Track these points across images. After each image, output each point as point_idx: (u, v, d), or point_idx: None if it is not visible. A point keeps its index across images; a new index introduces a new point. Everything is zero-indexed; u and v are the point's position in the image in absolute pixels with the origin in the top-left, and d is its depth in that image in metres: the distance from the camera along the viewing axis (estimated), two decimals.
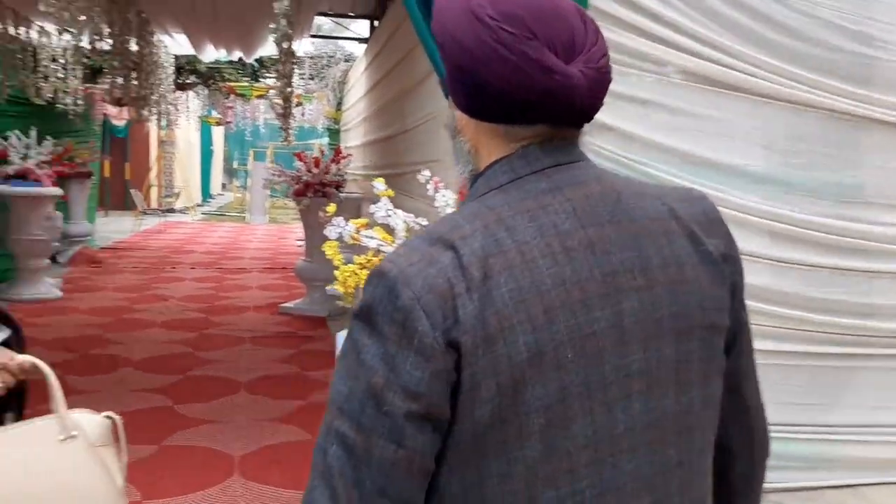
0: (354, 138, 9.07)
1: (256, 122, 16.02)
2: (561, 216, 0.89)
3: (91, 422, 1.59)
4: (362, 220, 2.98)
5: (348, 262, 2.88)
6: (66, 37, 8.29)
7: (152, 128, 20.30)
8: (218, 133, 28.51)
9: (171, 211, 19.07)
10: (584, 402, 0.86)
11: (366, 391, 0.84)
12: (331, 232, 2.93)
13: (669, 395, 0.90)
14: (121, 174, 18.39)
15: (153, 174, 20.25)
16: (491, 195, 0.92)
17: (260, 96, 10.38)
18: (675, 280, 0.91)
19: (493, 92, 0.88)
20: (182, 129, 19.17)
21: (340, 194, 8.15)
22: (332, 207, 2.97)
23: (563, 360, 0.85)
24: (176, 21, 7.24)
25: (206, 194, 27.03)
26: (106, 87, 9.92)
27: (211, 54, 8.94)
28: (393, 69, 6.02)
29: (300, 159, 8.22)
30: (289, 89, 6.21)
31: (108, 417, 1.62)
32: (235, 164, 30.11)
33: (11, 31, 6.95)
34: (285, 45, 4.22)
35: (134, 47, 6.17)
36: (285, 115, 6.83)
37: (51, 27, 7.70)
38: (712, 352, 0.95)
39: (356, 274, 2.92)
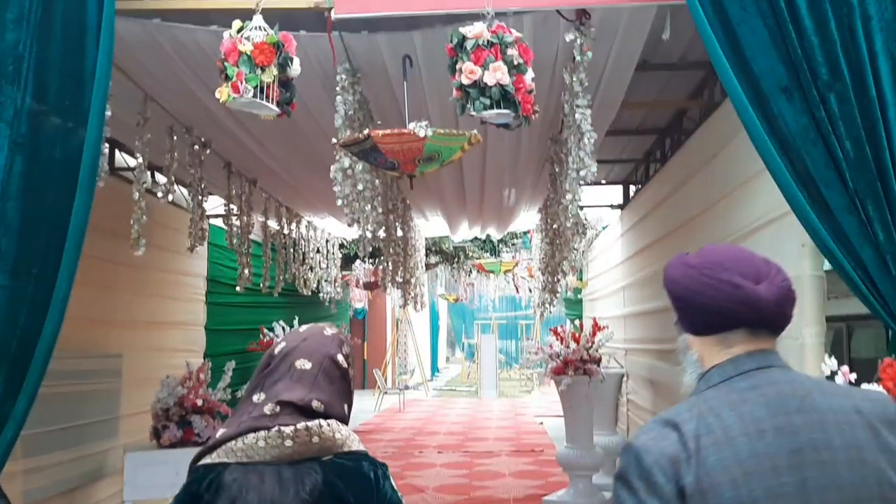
0: (608, 308, 8.46)
1: (490, 298, 16.02)
2: (756, 407, 1.26)
3: None
4: None
5: None
6: (329, 229, 8.74)
7: (388, 308, 21.24)
8: (443, 307, 29.35)
9: (406, 388, 19.30)
10: None
11: None
12: None
13: None
14: (360, 354, 19.10)
15: (389, 353, 20.86)
16: (707, 391, 1.33)
17: (507, 271, 10.24)
18: (854, 459, 1.20)
19: (702, 310, 1.35)
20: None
21: (602, 371, 7.50)
22: None
23: None
24: (437, 205, 7.30)
25: (435, 369, 27.46)
26: (358, 273, 10.32)
27: (462, 234, 8.98)
28: (671, 234, 5.47)
29: (555, 334, 7.73)
30: (580, 260, 5.89)
31: None
32: (463, 339, 30.71)
33: (285, 228, 7.34)
34: (585, 221, 3.88)
35: (399, 233, 6.23)
36: (552, 289, 6.45)
37: (318, 221, 8.11)
38: None
39: None
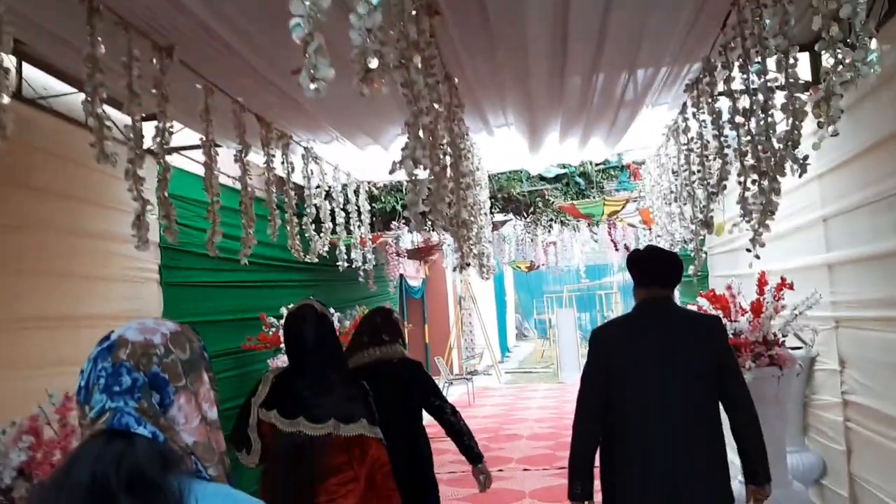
0: (782, 258, 5.45)
1: (574, 263, 12.98)
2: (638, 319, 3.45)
3: None
4: None
5: None
6: (347, 166, 5.90)
7: (448, 284, 18.43)
8: (508, 278, 26.47)
9: (475, 373, 16.58)
10: (638, 391, 3.21)
11: None
12: None
13: (680, 393, 3.13)
14: (421, 339, 16.38)
15: (453, 335, 18.11)
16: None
17: (614, 213, 7.21)
18: (682, 348, 3.18)
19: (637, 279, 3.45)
20: (478, 281, 17.01)
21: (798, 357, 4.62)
22: None
23: (631, 374, 3.24)
24: (511, 94, 4.37)
25: (504, 349, 24.72)
26: (397, 227, 7.52)
27: (544, 154, 6.00)
28: None
29: (714, 300, 4.85)
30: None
31: None
32: (534, 314, 27.91)
33: (257, 154, 4.54)
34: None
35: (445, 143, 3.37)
36: (707, 224, 3.62)
37: (322, 149, 5.26)
38: (701, 380, 3.12)
39: None
